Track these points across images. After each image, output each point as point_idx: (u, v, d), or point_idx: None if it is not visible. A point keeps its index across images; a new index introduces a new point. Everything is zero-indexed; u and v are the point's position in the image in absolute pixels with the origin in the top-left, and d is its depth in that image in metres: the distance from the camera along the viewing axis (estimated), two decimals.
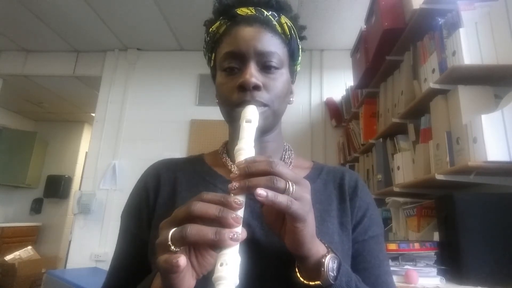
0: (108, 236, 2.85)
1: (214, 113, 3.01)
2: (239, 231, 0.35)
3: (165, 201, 0.57)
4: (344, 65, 2.82)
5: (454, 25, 1.18)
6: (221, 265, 0.34)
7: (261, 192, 0.36)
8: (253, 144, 0.45)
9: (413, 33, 1.49)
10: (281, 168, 0.39)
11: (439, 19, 1.29)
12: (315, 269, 0.42)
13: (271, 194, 0.36)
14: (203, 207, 0.35)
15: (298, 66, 0.64)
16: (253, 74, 0.52)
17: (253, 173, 0.38)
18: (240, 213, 0.37)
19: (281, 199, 0.37)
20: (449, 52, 1.19)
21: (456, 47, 1.14)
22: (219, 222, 0.35)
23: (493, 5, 1.14)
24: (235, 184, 0.38)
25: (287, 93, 0.58)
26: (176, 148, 3.01)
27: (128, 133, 3.10)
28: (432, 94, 1.28)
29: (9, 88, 3.82)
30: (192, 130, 3.04)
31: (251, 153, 0.44)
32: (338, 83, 2.96)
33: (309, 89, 3.05)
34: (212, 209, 0.35)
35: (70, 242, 2.93)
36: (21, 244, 4.15)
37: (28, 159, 4.85)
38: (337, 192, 0.59)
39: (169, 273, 0.34)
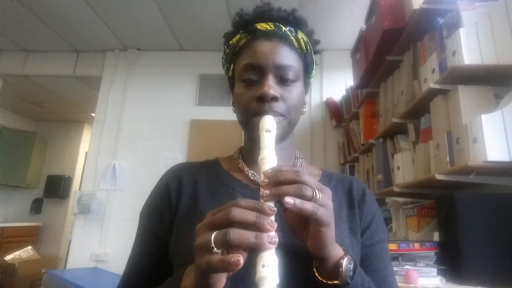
0: (108, 236, 2.85)
1: (214, 113, 3.02)
2: (275, 235, 0.38)
3: (187, 202, 0.59)
4: (344, 65, 2.82)
5: (454, 25, 1.18)
6: (263, 266, 0.37)
7: (289, 200, 0.39)
8: (274, 152, 0.48)
9: (413, 33, 1.49)
10: (307, 177, 0.42)
11: (439, 19, 1.29)
12: (333, 269, 0.45)
13: (298, 201, 0.39)
14: (242, 213, 0.38)
15: (311, 78, 0.68)
16: (272, 86, 0.55)
17: (281, 182, 0.41)
18: (273, 218, 0.39)
19: (308, 206, 0.40)
20: (449, 52, 1.19)
21: (456, 47, 1.14)
22: (257, 227, 0.38)
23: (493, 5, 1.14)
24: (266, 192, 0.41)
25: (302, 104, 0.62)
26: (176, 148, 3.01)
27: (128, 133, 3.09)
28: (432, 94, 1.28)
29: (9, 88, 3.82)
30: (192, 130, 3.04)
31: (274, 161, 0.47)
32: (338, 83, 2.96)
33: (309, 89, 3.05)
34: (250, 215, 0.38)
35: (70, 242, 2.93)
36: (21, 244, 4.15)
37: (28, 159, 4.84)
38: (346, 199, 0.62)
39: (220, 272, 0.37)
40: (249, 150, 0.64)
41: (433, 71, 1.28)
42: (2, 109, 4.93)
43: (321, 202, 0.41)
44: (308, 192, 0.41)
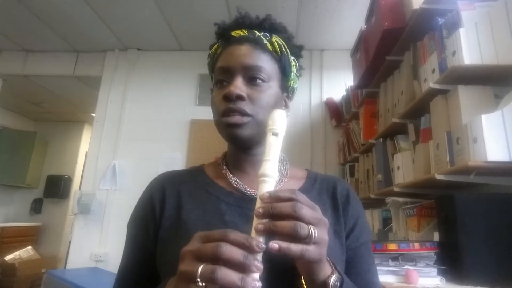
0: (108, 236, 2.85)
1: None
2: (258, 280, 0.37)
3: (170, 213, 0.59)
4: (344, 65, 2.82)
5: (454, 25, 1.18)
6: None
7: (274, 245, 0.38)
8: (277, 166, 0.45)
9: (413, 33, 1.49)
10: (305, 211, 0.40)
11: (439, 19, 1.29)
12: (321, 285, 0.45)
13: (284, 246, 0.38)
14: (230, 251, 0.37)
15: (292, 81, 0.66)
16: (237, 86, 0.56)
17: (276, 215, 0.40)
18: (260, 256, 0.39)
19: (295, 249, 0.38)
20: (449, 52, 1.19)
21: (456, 47, 1.14)
22: (243, 268, 0.37)
23: (493, 5, 1.14)
24: (260, 226, 0.39)
25: (274, 105, 0.59)
26: (176, 148, 3.01)
27: (128, 133, 3.09)
28: (432, 94, 1.27)
29: (9, 88, 3.82)
30: (192, 130, 3.04)
31: (275, 176, 0.44)
32: (338, 83, 2.96)
33: (309, 89, 3.05)
34: (238, 255, 0.37)
35: (70, 242, 2.93)
36: (21, 244, 4.16)
37: (28, 159, 4.85)
38: (330, 201, 0.62)
39: None
40: (231, 155, 0.65)
41: (433, 71, 1.28)
42: (2, 109, 4.93)
43: (316, 240, 0.39)
44: (303, 231, 0.38)
